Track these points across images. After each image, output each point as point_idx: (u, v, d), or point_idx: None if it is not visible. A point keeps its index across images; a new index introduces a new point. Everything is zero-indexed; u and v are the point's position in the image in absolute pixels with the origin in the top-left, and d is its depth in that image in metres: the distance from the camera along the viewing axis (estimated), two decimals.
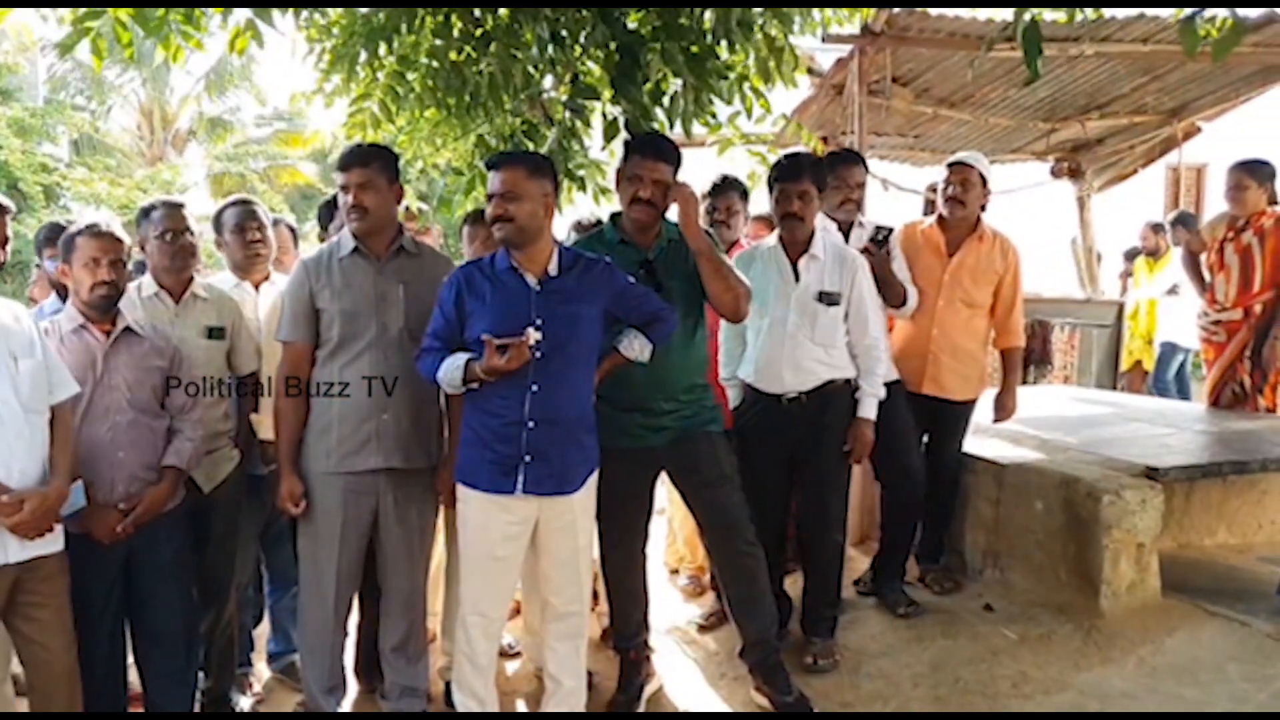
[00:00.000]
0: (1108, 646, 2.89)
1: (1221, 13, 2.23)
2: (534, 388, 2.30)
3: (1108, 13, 4.32)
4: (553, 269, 2.37)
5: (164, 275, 2.63)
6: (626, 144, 2.69)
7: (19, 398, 2.05)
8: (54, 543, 2.11)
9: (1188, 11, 1.78)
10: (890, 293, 3.25)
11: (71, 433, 2.20)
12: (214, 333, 2.66)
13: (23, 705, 2.40)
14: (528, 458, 2.32)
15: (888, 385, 3.11)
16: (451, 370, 2.29)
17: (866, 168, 3.37)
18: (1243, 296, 4.23)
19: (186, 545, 2.50)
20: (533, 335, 2.22)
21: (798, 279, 2.91)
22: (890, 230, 3.26)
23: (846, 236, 3.27)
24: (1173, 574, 3.22)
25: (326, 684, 2.63)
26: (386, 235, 2.56)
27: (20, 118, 12.82)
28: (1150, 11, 4.53)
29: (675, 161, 2.59)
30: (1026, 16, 1.86)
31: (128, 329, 2.38)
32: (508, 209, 2.30)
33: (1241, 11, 2.24)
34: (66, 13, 2.65)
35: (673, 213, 2.57)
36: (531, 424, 2.31)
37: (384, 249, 2.55)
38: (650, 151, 2.57)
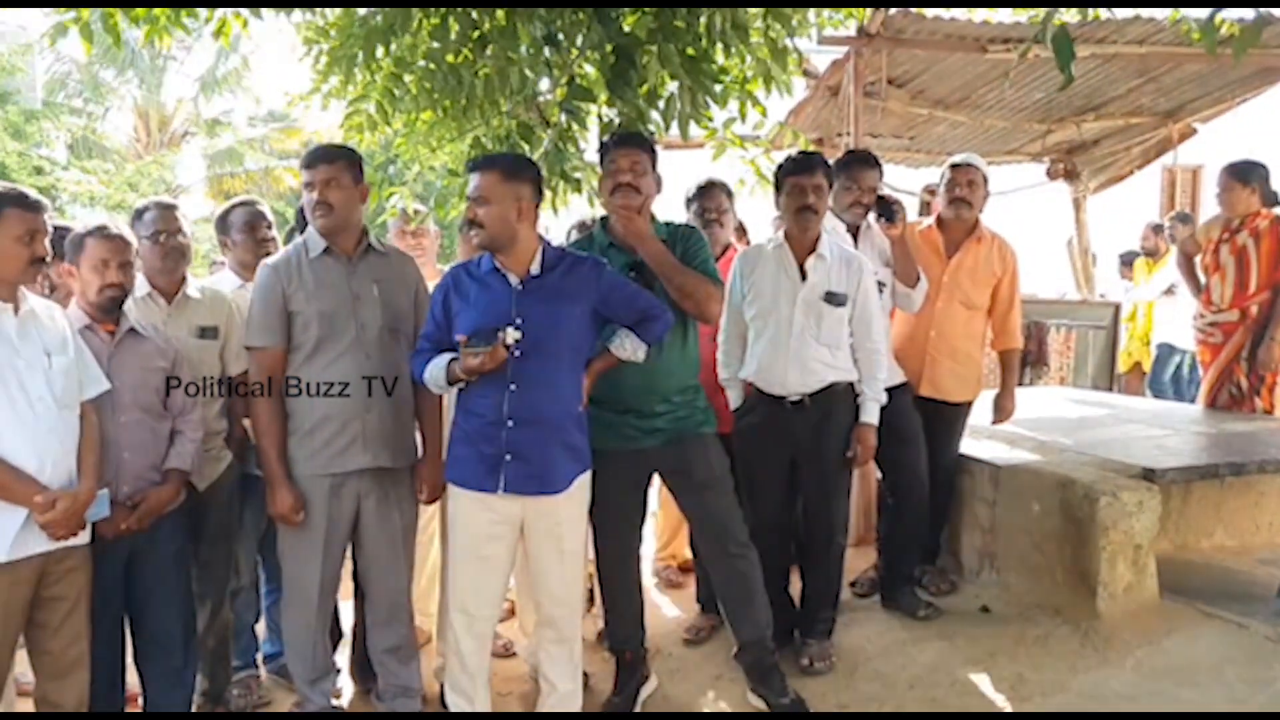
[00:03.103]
0: (1105, 648, 2.88)
1: (1233, 13, 2.24)
2: (512, 387, 2.30)
3: (1104, 13, 4.32)
4: (535, 268, 2.38)
5: (156, 276, 2.64)
6: (600, 147, 2.72)
7: (52, 393, 2.11)
8: (80, 536, 2.15)
9: (1207, 12, 1.80)
10: (906, 269, 3.20)
11: (98, 431, 2.24)
12: (206, 332, 2.67)
13: (23, 705, 2.40)
14: (508, 457, 2.32)
15: (895, 388, 3.10)
16: (435, 371, 2.33)
17: (881, 171, 3.33)
18: (1239, 298, 4.23)
19: (186, 545, 2.51)
20: (511, 334, 2.22)
21: (804, 278, 2.90)
22: (898, 203, 3.18)
23: (855, 239, 3.26)
24: (1170, 576, 3.21)
25: (310, 676, 2.63)
26: (354, 234, 2.56)
27: (16, 120, 12.82)
28: (1146, 13, 4.53)
29: (647, 149, 2.63)
30: (1067, 18, 1.88)
31: (131, 329, 2.40)
32: (478, 213, 2.32)
33: (1241, 12, 2.24)
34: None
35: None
36: (511, 423, 2.31)
37: (353, 248, 2.56)
38: (620, 142, 2.64)
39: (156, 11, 2.57)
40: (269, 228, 2.98)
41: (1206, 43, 1.75)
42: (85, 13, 2.47)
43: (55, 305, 2.27)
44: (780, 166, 2.96)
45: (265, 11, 2.75)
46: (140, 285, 2.62)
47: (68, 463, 2.13)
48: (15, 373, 2.05)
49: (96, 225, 2.36)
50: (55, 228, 2.24)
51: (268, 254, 2.92)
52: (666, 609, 3.52)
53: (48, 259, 2.14)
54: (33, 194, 2.14)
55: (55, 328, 2.19)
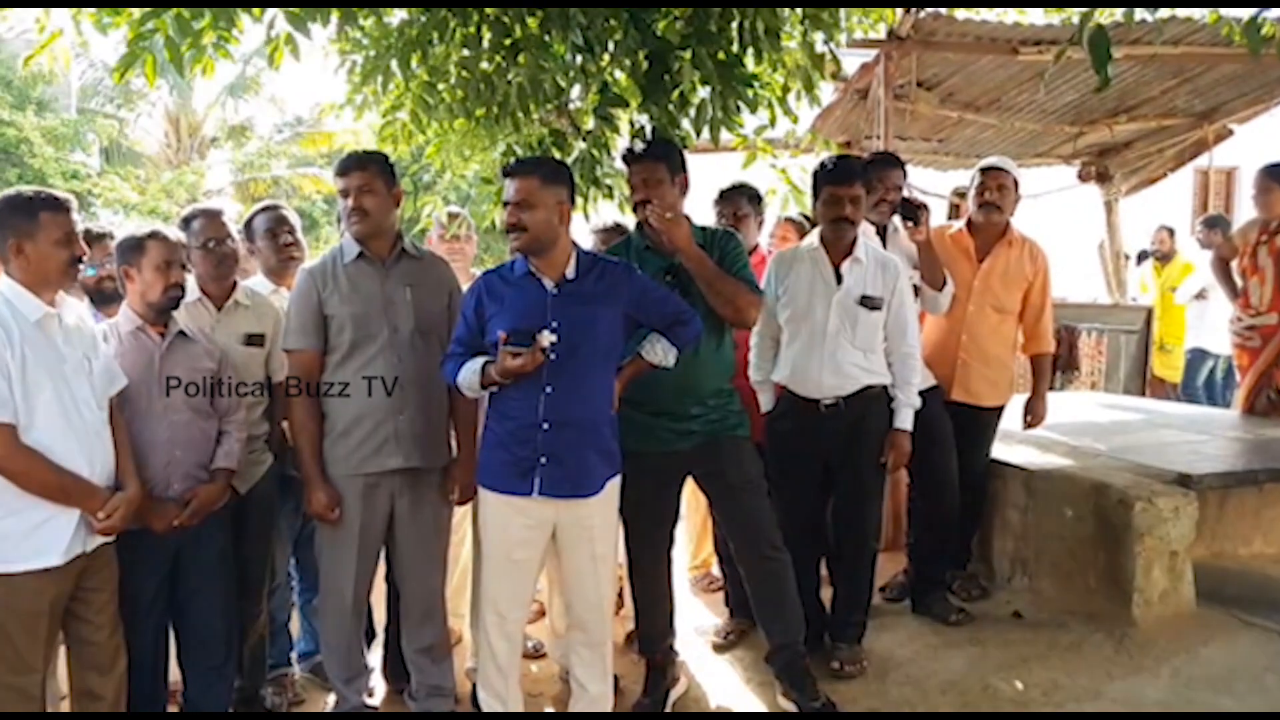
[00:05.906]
0: (1140, 655, 2.85)
1: (1273, 13, 2.20)
2: (548, 389, 2.31)
3: (1141, 14, 4.27)
4: (570, 272, 2.39)
5: (208, 283, 2.70)
6: (622, 158, 2.74)
7: (95, 396, 2.17)
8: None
9: (1247, 12, 1.79)
10: (932, 271, 3.20)
11: (125, 430, 2.29)
12: (253, 339, 2.71)
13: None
14: (543, 460, 2.33)
15: (925, 392, 3.09)
16: (469, 374, 2.34)
17: (905, 172, 3.36)
18: (1278, 300, 4.17)
19: (229, 545, 2.56)
20: (547, 337, 2.23)
21: (840, 282, 2.90)
22: (922, 205, 3.18)
23: (883, 239, 3.26)
24: (1207, 583, 3.17)
25: (345, 675, 2.67)
26: (388, 238, 2.60)
27: (53, 127, 13.07)
28: (1183, 12, 4.47)
29: (662, 156, 2.64)
30: (1106, 19, 1.87)
31: (180, 332, 2.45)
32: (521, 218, 2.33)
33: (1277, 11, 2.21)
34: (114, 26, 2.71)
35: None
36: (546, 426, 2.32)
37: (387, 252, 2.60)
38: (636, 156, 2.66)
39: (208, 23, 2.60)
40: (290, 232, 3.00)
41: (1251, 43, 1.73)
42: (151, 59, 2.52)
43: (83, 306, 2.32)
44: (818, 171, 2.95)
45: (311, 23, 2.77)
46: (190, 290, 2.68)
47: (110, 463, 2.20)
48: (64, 379, 2.10)
49: (150, 230, 2.41)
50: (85, 230, 2.28)
51: (290, 258, 2.98)
52: (696, 612, 3.53)
53: (84, 257, 2.19)
54: (60, 193, 2.18)
55: (87, 329, 2.25)
